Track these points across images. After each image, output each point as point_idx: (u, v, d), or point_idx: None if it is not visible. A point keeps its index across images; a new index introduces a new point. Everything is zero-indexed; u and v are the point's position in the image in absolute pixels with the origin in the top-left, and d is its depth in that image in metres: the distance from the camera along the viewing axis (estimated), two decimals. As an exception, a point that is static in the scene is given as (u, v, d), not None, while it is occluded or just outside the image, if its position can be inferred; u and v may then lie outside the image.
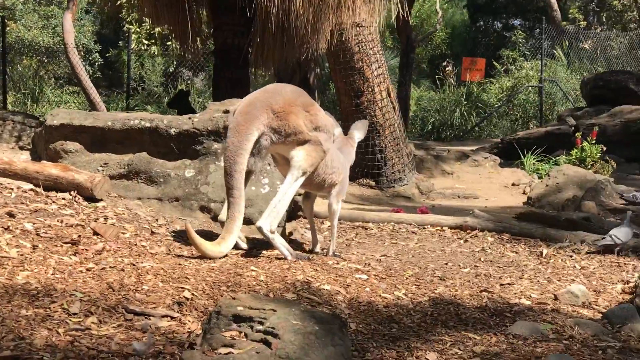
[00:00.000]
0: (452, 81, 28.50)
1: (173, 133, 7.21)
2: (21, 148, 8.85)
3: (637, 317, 5.53)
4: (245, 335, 4.19)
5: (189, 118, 7.32)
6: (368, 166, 12.90)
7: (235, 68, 9.76)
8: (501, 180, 14.97)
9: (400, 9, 10.84)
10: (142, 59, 27.91)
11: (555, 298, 6.08)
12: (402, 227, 8.52)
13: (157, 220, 6.86)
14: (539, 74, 26.49)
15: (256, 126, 5.97)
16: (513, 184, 14.40)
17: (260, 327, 4.21)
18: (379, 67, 12.67)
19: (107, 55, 30.20)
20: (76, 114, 7.55)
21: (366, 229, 8.43)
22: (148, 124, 7.26)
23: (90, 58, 30.28)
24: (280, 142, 6.11)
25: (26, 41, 28.66)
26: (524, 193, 12.93)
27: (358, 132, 7.25)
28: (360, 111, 12.66)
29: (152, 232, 6.45)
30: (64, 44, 22.95)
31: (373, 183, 12.83)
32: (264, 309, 4.34)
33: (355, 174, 13.11)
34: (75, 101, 26.29)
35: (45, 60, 29.78)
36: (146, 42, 24.01)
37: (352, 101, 12.71)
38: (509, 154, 18.07)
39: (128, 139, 7.32)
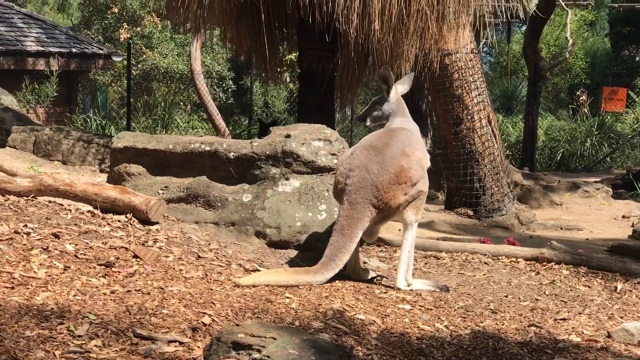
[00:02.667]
0: (586, 111, 27.80)
1: (232, 157, 7.18)
2: (102, 171, 9.03)
3: (690, 359, 5.18)
4: (244, 363, 4.11)
5: (250, 142, 7.26)
6: (466, 195, 12.63)
7: (319, 93, 9.72)
8: (612, 212, 14.47)
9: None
10: (265, 85, 28.19)
11: (609, 335, 5.75)
12: (476, 257, 8.27)
13: (209, 244, 6.82)
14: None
15: (361, 227, 6.30)
16: (623, 217, 13.89)
17: (257, 356, 4.13)
18: (479, 95, 12.41)
19: (240, 82, 30.64)
20: (140, 136, 7.60)
21: (438, 259, 8.20)
22: (208, 148, 7.25)
23: (224, 85, 30.79)
24: (387, 219, 6.52)
25: (161, 68, 29.31)
26: (632, 226, 12.41)
27: (402, 85, 7.19)
28: (459, 139, 12.42)
29: (199, 257, 6.41)
30: (191, 71, 23.38)
31: (471, 212, 12.55)
32: (265, 337, 4.25)
33: (453, 203, 12.87)
34: (203, 127, 26.74)
35: (181, 87, 30.42)
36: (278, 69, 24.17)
37: (450, 129, 12.48)
38: (634, 186, 17.45)
39: (189, 162, 7.33)
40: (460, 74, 12.36)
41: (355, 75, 10.31)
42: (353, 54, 9.16)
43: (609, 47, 40.45)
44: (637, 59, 39.97)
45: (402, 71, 9.60)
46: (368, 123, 7.06)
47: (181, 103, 30.70)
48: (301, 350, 4.10)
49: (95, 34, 31.53)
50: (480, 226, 12.34)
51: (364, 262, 7.49)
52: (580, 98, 28.99)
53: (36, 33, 24.81)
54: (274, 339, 4.21)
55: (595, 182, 17.69)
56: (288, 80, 25.60)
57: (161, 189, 7.30)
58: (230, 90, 30.86)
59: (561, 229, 12.71)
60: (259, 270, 6.27)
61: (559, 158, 25.69)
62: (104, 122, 24.42)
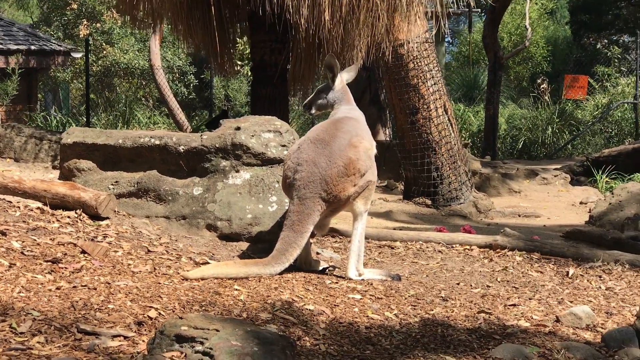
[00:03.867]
0: (547, 99, 27.92)
1: (182, 150, 7.15)
2: (55, 167, 8.94)
3: (635, 341, 5.23)
4: (185, 355, 4.10)
5: (200, 135, 7.24)
6: (424, 184, 12.65)
7: (272, 85, 9.68)
8: (570, 198, 14.56)
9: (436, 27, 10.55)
10: (226, 79, 28.11)
11: (557, 320, 5.79)
12: (430, 246, 8.29)
13: (160, 238, 6.79)
14: (635, 90, 25.75)
15: (311, 222, 6.32)
16: (581, 203, 13.99)
17: (199, 348, 4.12)
18: (435, 84, 12.43)
19: (202, 76, 30.55)
20: (90, 132, 7.55)
21: (392, 248, 8.22)
22: (157, 142, 7.21)
23: (186, 80, 30.68)
24: (338, 211, 6.57)
25: (122, 64, 29.15)
26: (589, 212, 12.48)
27: (347, 74, 7.21)
28: (416, 129, 12.44)
29: (149, 251, 6.38)
30: (150, 66, 23.28)
31: (429, 202, 12.57)
32: (208, 329, 4.24)
33: (412, 193, 12.89)
34: (165, 122, 26.63)
35: (143, 83, 30.28)
36: (240, 62, 24.14)
37: (407, 118, 12.49)
38: (593, 172, 17.55)
39: (139, 156, 7.28)
40: (415, 63, 12.37)
41: (308, 66, 10.29)
42: (304, 45, 9.13)
43: (570, 35, 40.63)
44: (598, 46, 40.17)
45: (353, 61, 9.59)
46: (313, 111, 7.06)
47: (143, 99, 30.56)
48: (244, 342, 4.09)
49: (55, 31, 31.31)
50: (439, 215, 12.37)
51: (317, 254, 7.49)
52: (541, 86, 29.06)
53: (-8, 29, 24.60)
54: (217, 330, 4.20)
55: (555, 169, 17.78)
56: (249, 73, 25.52)
57: (112, 184, 7.25)
58: (192, 85, 30.77)
59: (519, 216, 12.77)
60: (208, 263, 6.24)
61: (520, 146, 25.81)
62: (64, 120, 24.26)
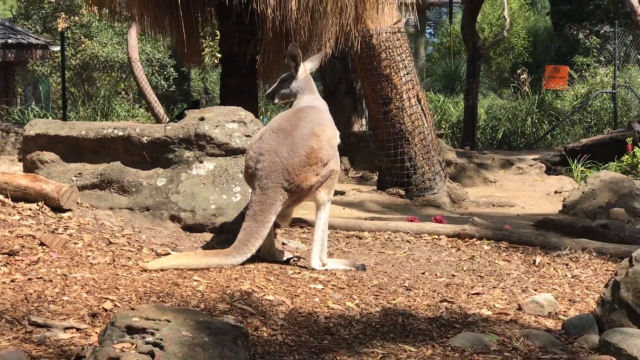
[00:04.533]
0: (527, 89, 27.91)
1: (145, 141, 7.09)
2: (20, 160, 8.84)
3: (594, 328, 5.19)
4: (136, 346, 4.05)
5: (164, 126, 7.18)
6: (397, 174, 12.59)
7: (241, 76, 9.62)
8: (545, 188, 14.55)
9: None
10: (204, 72, 28.04)
11: (520, 308, 5.76)
12: (398, 236, 8.25)
13: (122, 230, 6.74)
14: (614, 80, 25.78)
15: (274, 212, 6.27)
16: (556, 192, 13.98)
17: (150, 339, 4.07)
18: (407, 74, 12.37)
19: (181, 69, 30.45)
20: (53, 123, 7.48)
21: (361, 238, 8.18)
22: (121, 133, 7.15)
23: (165, 72, 30.58)
24: (301, 201, 6.55)
25: (101, 57, 29.04)
26: (563, 201, 12.48)
27: (311, 63, 7.23)
28: (389, 119, 12.38)
29: (110, 242, 6.32)
30: (128, 59, 23.19)
31: (403, 192, 12.52)
32: (160, 320, 4.19)
33: (385, 183, 12.85)
34: (145, 115, 26.52)
35: (122, 76, 30.17)
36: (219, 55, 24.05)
37: (380, 108, 12.44)
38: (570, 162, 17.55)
39: (103, 148, 7.22)
40: (387, 53, 12.31)
41: (277, 56, 10.21)
42: (272, 36, 9.06)
43: (551, 25, 40.57)
44: (580, 36, 40.12)
45: (322, 49, 9.55)
46: (276, 101, 7.02)
47: (123, 92, 30.46)
48: (195, 332, 4.05)
49: (33, 25, 31.15)
50: (412, 205, 12.33)
51: (283, 244, 7.45)
52: (521, 76, 29.02)
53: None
54: (169, 321, 4.15)
55: (534, 159, 17.78)
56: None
57: (75, 176, 7.19)
58: (171, 77, 30.66)
59: (493, 205, 12.75)
60: (169, 255, 6.19)
61: (500, 137, 25.77)
62: (42, 113, 24.14)
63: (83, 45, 29.38)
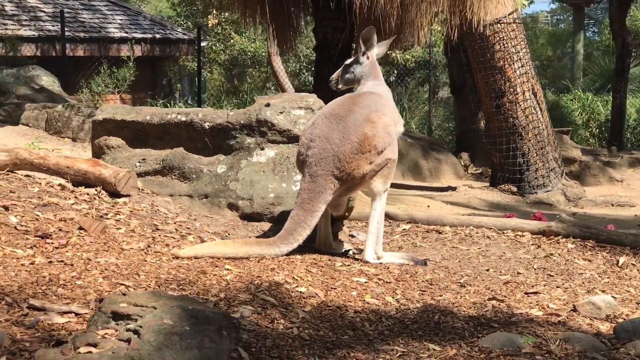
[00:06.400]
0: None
1: (207, 127, 6.94)
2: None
3: (646, 334, 4.73)
4: (118, 333, 3.89)
5: (227, 112, 7.01)
6: (509, 171, 12.13)
7: (334, 64, 9.33)
8: (678, 188, 13.77)
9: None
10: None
11: (574, 309, 5.32)
12: (480, 231, 7.84)
13: (176, 217, 6.61)
14: None
15: (323, 200, 6.01)
16: (685, 193, 13.20)
17: (131, 326, 3.89)
18: (522, 66, 11.89)
19: (329, 66, 30.34)
20: (121, 108, 7.43)
21: (440, 233, 7.80)
22: (184, 118, 7.02)
23: (313, 68, 30.57)
24: (353, 190, 6.23)
25: (249, 53, 29.29)
26: (691, 202, 11.76)
27: (379, 48, 6.88)
28: (502, 113, 11.95)
29: (157, 229, 6.20)
30: (268, 53, 23.25)
31: (514, 189, 12.05)
32: (147, 306, 4.02)
33: (497, 179, 12.40)
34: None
35: (269, 71, 30.35)
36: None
37: (492, 102, 12.01)
38: None
39: (167, 133, 7.11)
40: (501, 44, 11.87)
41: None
42: (362, 22, 8.76)
43: None
44: None
45: (414, 40, 9.22)
46: (340, 86, 6.73)
47: (272, 87, 30.63)
48: (178, 320, 3.87)
49: (185, 21, 31.69)
50: (523, 203, 11.84)
51: (351, 236, 7.17)
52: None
53: (120, 19, 24.97)
54: (155, 308, 3.96)
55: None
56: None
57: (139, 162, 7.10)
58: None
59: (612, 205, 12.10)
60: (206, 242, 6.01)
61: (654, 136, 24.69)
62: (185, 107, 24.47)
63: (232, 41, 29.67)
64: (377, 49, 6.79)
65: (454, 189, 12.59)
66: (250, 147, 6.85)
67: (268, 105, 6.91)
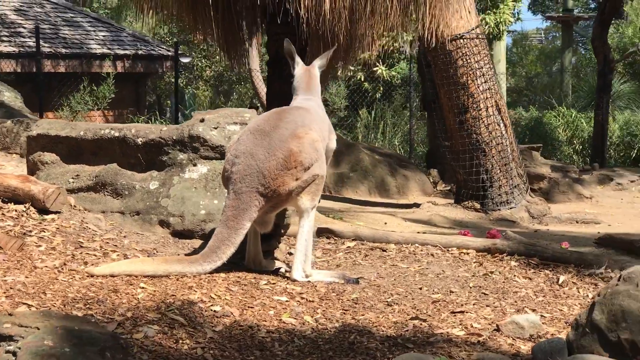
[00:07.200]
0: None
1: (140, 143, 6.82)
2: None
3: (564, 354, 4.60)
4: None
5: (160, 128, 6.90)
6: (473, 187, 12.02)
7: (285, 79, 9.19)
8: (647, 205, 13.65)
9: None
10: (327, 85, 27.80)
11: (498, 329, 5.19)
12: (424, 249, 7.72)
13: (105, 234, 6.48)
14: None
15: (248, 218, 5.86)
16: (656, 209, 13.08)
17: (11, 347, 3.77)
18: (485, 82, 11.78)
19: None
20: (56, 123, 7.31)
21: (385, 251, 7.67)
22: (117, 134, 6.90)
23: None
24: (280, 207, 6.10)
25: (235, 69, 29.22)
26: (655, 218, 11.63)
27: (320, 61, 6.90)
28: (465, 129, 11.83)
29: (80, 247, 6.08)
30: (249, 70, 23.14)
31: (478, 205, 11.93)
32: (31, 327, 3.89)
33: (461, 196, 12.28)
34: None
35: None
36: (352, 68, 23.88)
37: (455, 118, 11.91)
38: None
39: (101, 149, 7.00)
40: (464, 60, 11.76)
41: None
42: (305, 37, 8.63)
43: None
44: None
45: (365, 53, 9.11)
46: None
47: (259, 103, 30.57)
48: (60, 341, 3.78)
49: (170, 37, 31.62)
50: (486, 220, 11.72)
51: (289, 254, 7.05)
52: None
53: (102, 35, 24.87)
54: (38, 329, 3.85)
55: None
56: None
57: (72, 178, 6.98)
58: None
59: (577, 222, 11.98)
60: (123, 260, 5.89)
61: (635, 154, 24.54)
62: (167, 123, 24.38)
63: (217, 57, 29.62)
64: (319, 62, 6.73)
65: (417, 205, 12.46)
66: (183, 163, 6.74)
67: (203, 120, 6.81)
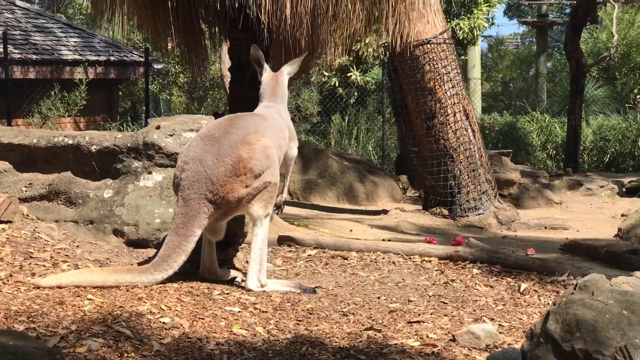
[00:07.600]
0: (643, 110, 26.59)
1: (94, 150, 6.71)
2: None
3: (517, 365, 4.50)
4: None
5: (115, 135, 6.77)
6: (440, 193, 11.95)
7: (248, 85, 9.09)
8: (614, 210, 13.58)
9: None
10: (296, 90, 27.72)
11: (453, 339, 5.09)
12: (386, 257, 7.61)
13: (57, 244, 6.34)
14: None
15: (197, 225, 5.72)
16: (622, 215, 12.96)
17: (-57, 364, 3.64)
18: (453, 87, 11.71)
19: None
20: (8, 131, 7.17)
21: (346, 259, 7.56)
22: (71, 141, 6.78)
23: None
24: (230, 214, 5.93)
25: (210, 74, 29.16)
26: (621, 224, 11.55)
27: (290, 67, 6.83)
28: (432, 134, 11.76)
29: (30, 257, 5.94)
30: (220, 75, 23.01)
31: (446, 212, 11.87)
32: (-34, 343, 3.77)
33: (429, 203, 12.20)
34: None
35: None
36: (326, 74, 23.80)
37: (423, 124, 11.83)
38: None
39: (55, 157, 6.88)
40: (432, 65, 11.68)
41: (280, 65, 9.61)
42: (267, 42, 8.51)
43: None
44: None
45: (330, 58, 9.01)
46: None
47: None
48: None
49: (144, 43, 31.47)
50: (454, 226, 11.64)
51: (247, 262, 6.92)
52: (638, 96, 27.69)
53: (74, 42, 24.69)
54: (-30, 346, 3.73)
55: (631, 181, 16.58)
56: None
57: (25, 186, 6.84)
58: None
59: (545, 228, 11.94)
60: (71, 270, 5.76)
61: (608, 159, 24.54)
62: (136, 129, 24.23)
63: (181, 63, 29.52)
64: (289, 67, 6.67)
65: (386, 212, 12.37)
66: (138, 171, 6.62)
67: (158, 127, 6.69)
